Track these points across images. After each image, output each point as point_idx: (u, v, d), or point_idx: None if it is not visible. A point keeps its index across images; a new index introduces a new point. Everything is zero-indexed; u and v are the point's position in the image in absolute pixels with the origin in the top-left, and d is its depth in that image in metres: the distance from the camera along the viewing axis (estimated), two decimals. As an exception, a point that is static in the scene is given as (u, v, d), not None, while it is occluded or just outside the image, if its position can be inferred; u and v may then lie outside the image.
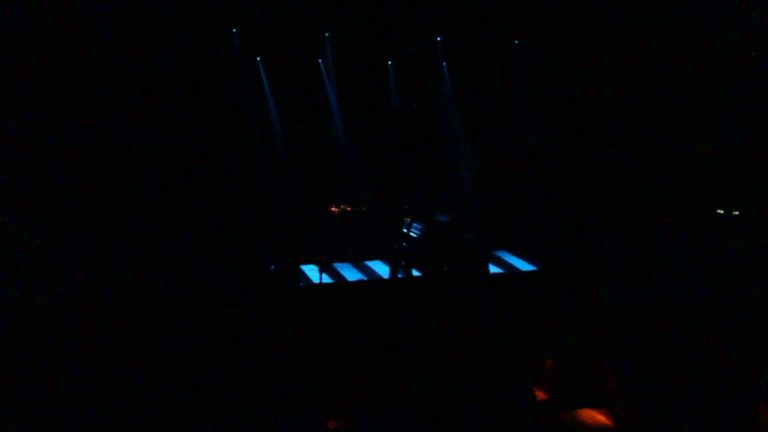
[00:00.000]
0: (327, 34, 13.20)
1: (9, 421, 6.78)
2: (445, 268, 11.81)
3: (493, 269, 11.98)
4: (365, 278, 11.92)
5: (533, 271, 12.15)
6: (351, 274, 12.16)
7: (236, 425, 7.02)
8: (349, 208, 12.82)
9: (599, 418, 7.19)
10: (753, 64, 11.54)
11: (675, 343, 8.17)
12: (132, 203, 11.48)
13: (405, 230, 12.60)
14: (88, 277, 10.08)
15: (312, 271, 11.90)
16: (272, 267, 11.19)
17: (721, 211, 11.82)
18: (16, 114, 10.90)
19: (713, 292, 9.46)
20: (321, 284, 11.20)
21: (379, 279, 11.97)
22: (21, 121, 10.92)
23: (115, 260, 10.57)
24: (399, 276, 11.69)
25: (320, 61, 13.40)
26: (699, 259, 10.77)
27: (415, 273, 11.84)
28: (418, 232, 12.68)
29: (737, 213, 11.71)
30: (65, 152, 11.26)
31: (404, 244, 12.40)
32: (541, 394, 7.40)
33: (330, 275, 11.91)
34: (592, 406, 7.33)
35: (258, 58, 13.09)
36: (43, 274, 9.82)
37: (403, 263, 11.77)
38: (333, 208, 12.82)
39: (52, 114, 11.15)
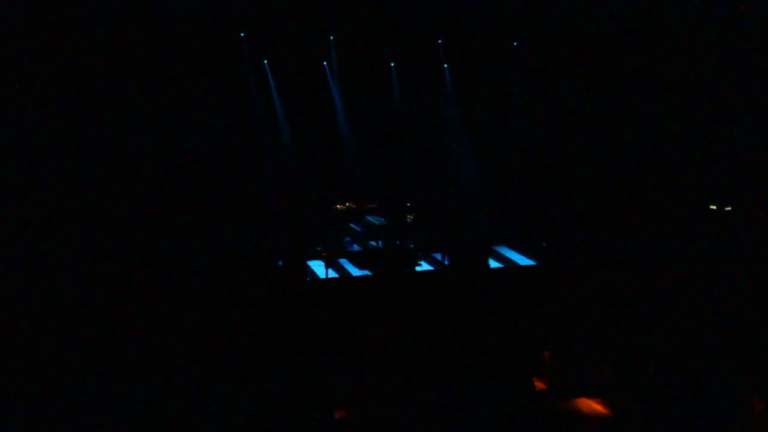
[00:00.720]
0: (331, 38, 13.28)
1: (9, 421, 6.81)
2: (446, 263, 12.00)
3: (493, 264, 12.09)
4: (370, 273, 11.91)
5: (532, 266, 12.21)
6: (356, 269, 12.15)
7: (245, 415, 6.94)
8: (354, 206, 12.95)
9: (596, 407, 7.16)
10: (750, 63, 11.68)
11: (671, 334, 8.29)
12: (143, 202, 11.61)
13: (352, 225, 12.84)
14: (97, 272, 10.31)
15: (318, 267, 11.95)
16: (280, 263, 11.39)
17: (714, 207, 12.00)
18: (30, 117, 11.10)
19: (709, 284, 9.63)
20: (327, 279, 11.31)
21: (383, 273, 11.91)
22: (34, 125, 11.12)
23: (125, 257, 10.76)
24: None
25: (325, 63, 13.48)
26: (695, 252, 10.95)
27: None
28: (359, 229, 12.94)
29: (729, 208, 11.90)
30: (79, 154, 11.44)
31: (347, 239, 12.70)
32: (539, 385, 7.53)
33: (336, 270, 11.95)
34: (589, 396, 7.38)
35: (265, 61, 13.17)
36: (50, 273, 10.05)
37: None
38: (338, 206, 12.96)
39: (64, 117, 11.27)
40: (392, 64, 13.73)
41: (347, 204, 12.83)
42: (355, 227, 13.17)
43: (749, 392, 6.79)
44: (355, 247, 12.92)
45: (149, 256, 10.95)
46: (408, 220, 12.52)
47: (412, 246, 12.45)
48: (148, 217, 11.58)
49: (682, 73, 12.35)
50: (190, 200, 11.99)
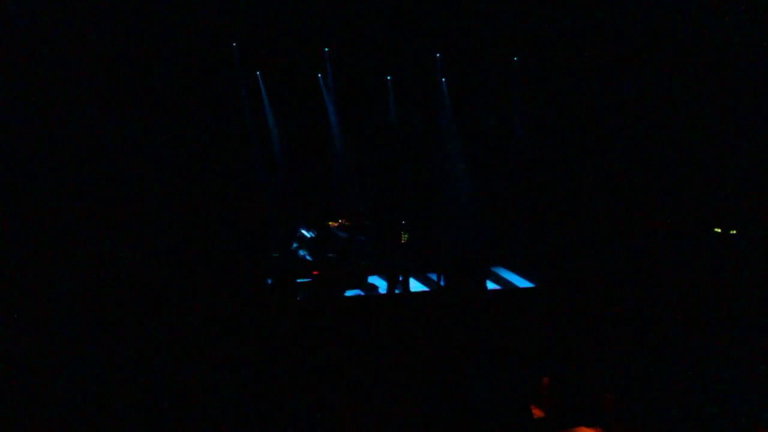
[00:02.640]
0: (326, 49, 13.18)
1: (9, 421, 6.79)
2: (442, 283, 11.78)
3: (491, 285, 11.92)
4: (362, 293, 11.82)
5: (530, 288, 12.05)
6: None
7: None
8: (347, 223, 12.74)
9: (596, 436, 7.05)
10: (754, 73, 11.50)
11: (673, 362, 8.11)
12: (130, 216, 11.51)
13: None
14: (84, 288, 10.09)
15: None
16: (269, 281, 11.17)
17: (719, 230, 11.79)
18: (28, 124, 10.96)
19: (712, 310, 9.41)
20: (318, 298, 11.13)
21: (377, 294, 11.89)
22: (30, 131, 10.99)
23: (116, 272, 10.58)
24: (396, 291, 11.64)
25: (319, 75, 13.38)
26: (697, 277, 10.73)
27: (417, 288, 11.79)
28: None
29: (734, 232, 11.68)
30: (69, 164, 11.30)
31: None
32: (537, 412, 7.28)
33: None
34: (589, 425, 7.18)
35: (258, 73, 13.08)
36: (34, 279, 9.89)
37: (400, 278, 11.72)
38: (332, 223, 12.73)
39: (61, 128, 11.20)
40: (388, 78, 13.61)
41: (340, 221, 12.63)
42: (306, 233, 12.82)
43: (756, 421, 6.58)
44: (301, 254, 12.59)
45: (135, 271, 10.72)
46: (403, 239, 12.26)
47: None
48: (136, 230, 11.48)
49: (687, 90, 12.17)
50: (177, 215, 11.84)
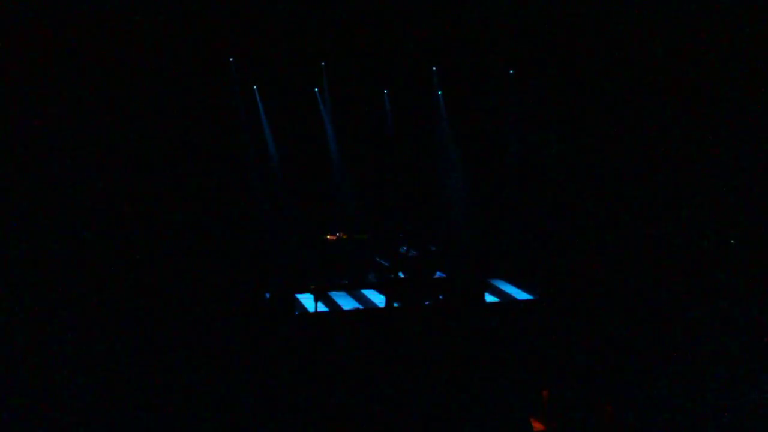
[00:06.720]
0: (323, 64, 13.19)
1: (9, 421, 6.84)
2: (441, 297, 11.74)
3: (489, 298, 11.89)
4: (361, 307, 11.82)
5: (529, 300, 12.05)
6: (347, 302, 12.07)
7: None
8: (345, 237, 12.72)
9: (596, 450, 7.05)
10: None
11: (674, 376, 8.09)
12: (128, 229, 11.52)
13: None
14: (80, 302, 10.07)
15: (307, 300, 11.78)
16: (267, 295, 11.14)
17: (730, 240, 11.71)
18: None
19: (713, 324, 9.38)
20: (316, 313, 11.06)
21: (375, 308, 11.86)
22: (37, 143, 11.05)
23: (112, 288, 10.55)
24: (395, 305, 11.60)
25: (316, 90, 13.39)
26: (700, 289, 10.69)
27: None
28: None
29: (733, 242, 11.63)
30: (60, 188, 11.30)
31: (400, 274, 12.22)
32: (537, 425, 7.29)
33: (325, 304, 11.80)
34: None
35: (255, 87, 13.08)
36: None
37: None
38: (329, 237, 12.72)
39: (58, 148, 11.22)
40: (385, 92, 13.62)
41: (338, 234, 12.60)
42: (383, 262, 12.74)
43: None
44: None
45: (130, 285, 10.70)
46: (401, 251, 12.22)
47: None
48: (133, 244, 11.45)
49: (687, 101, 12.15)
50: (174, 230, 11.83)
